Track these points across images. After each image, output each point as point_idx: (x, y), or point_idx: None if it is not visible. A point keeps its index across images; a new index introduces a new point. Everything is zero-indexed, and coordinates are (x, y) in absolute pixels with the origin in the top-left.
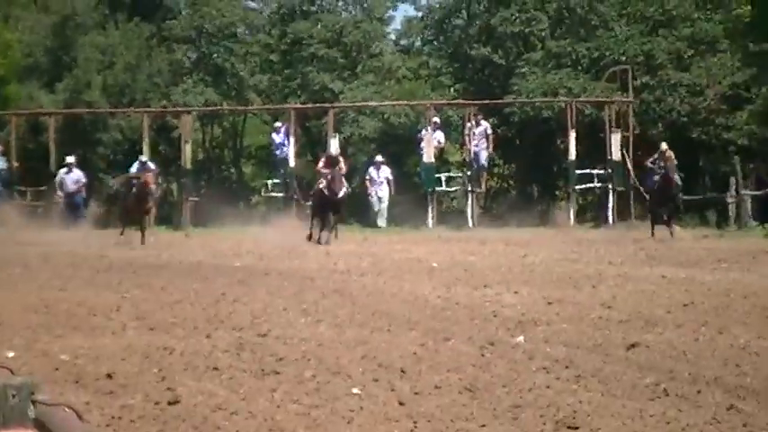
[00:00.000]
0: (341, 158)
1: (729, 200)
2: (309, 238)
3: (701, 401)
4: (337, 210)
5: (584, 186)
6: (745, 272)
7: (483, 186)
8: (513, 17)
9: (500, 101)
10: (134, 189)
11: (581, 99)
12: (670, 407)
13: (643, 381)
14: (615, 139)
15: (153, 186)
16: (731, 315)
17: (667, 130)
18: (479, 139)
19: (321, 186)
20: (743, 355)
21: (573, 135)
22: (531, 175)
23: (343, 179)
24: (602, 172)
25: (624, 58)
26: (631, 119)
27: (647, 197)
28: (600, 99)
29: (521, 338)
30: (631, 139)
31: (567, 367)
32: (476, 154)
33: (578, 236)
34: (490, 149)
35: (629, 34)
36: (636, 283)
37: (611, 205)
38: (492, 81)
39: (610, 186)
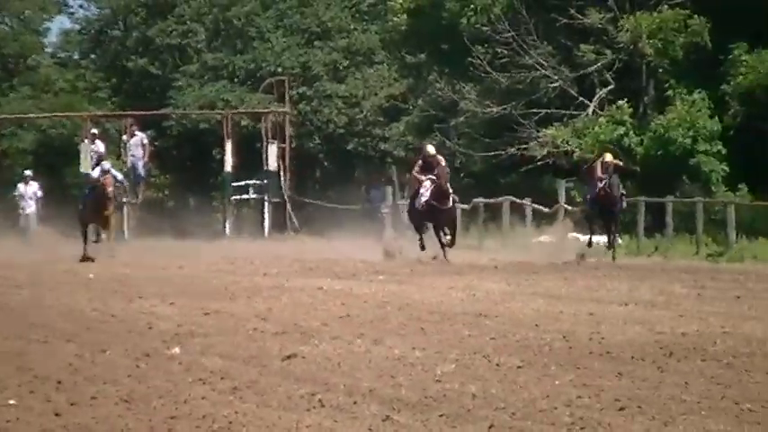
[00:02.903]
0: (439, 157)
1: (385, 210)
2: (422, 248)
3: (356, 412)
4: (451, 221)
5: (240, 197)
6: (402, 284)
7: (140, 197)
8: (170, 29)
9: (156, 112)
10: (93, 192)
11: (237, 111)
12: (326, 417)
13: (299, 392)
14: (272, 151)
15: (111, 189)
16: (387, 326)
17: (325, 142)
18: (135, 149)
19: (425, 198)
20: (398, 367)
21: (229, 146)
22: (189, 186)
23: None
24: (258, 183)
25: (281, 70)
26: (288, 129)
27: (586, 206)
28: (256, 110)
29: (177, 350)
30: (288, 150)
31: (222, 378)
32: (133, 165)
33: (235, 247)
34: (146, 159)
35: (285, 46)
36: (292, 295)
37: (267, 216)
38: (149, 94)
39: (266, 198)
